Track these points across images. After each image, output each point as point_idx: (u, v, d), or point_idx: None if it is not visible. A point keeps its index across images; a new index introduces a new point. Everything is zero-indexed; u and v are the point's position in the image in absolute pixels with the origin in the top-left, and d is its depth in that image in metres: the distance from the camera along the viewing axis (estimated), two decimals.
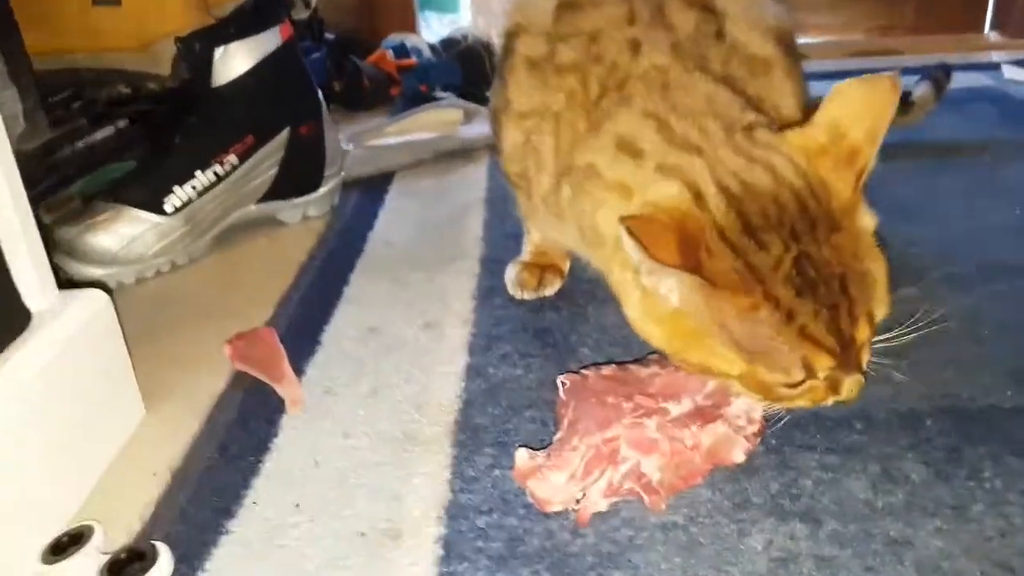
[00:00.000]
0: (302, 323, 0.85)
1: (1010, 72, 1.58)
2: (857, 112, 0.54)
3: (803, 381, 0.54)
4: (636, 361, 0.66)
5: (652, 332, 0.57)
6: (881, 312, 0.54)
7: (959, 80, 1.54)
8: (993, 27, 2.00)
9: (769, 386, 0.54)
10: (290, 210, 1.14)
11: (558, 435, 0.60)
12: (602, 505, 0.55)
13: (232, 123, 1.06)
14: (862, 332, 0.53)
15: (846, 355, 0.53)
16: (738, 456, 0.59)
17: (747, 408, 0.59)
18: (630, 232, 0.50)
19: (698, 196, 0.54)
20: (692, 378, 0.60)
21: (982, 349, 0.71)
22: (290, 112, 1.10)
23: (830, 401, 0.55)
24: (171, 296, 0.97)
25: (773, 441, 0.61)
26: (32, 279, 0.64)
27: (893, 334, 0.56)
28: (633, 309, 0.58)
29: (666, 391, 0.61)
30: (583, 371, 0.65)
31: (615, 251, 0.59)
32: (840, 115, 0.55)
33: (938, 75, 1.22)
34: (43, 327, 0.63)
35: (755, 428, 0.59)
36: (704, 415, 0.59)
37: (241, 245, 1.08)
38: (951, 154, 1.19)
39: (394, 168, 1.31)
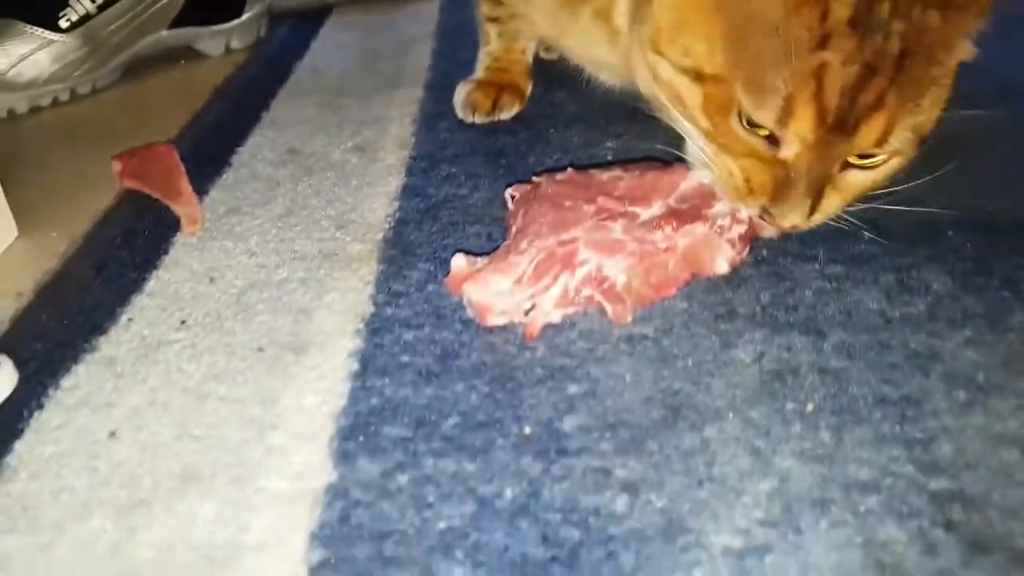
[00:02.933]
0: (210, 145, 0.72)
1: None
2: None
3: (765, 138, 0.43)
4: (596, 166, 0.54)
5: None
6: (900, 139, 0.42)
7: None
8: None
9: (727, 111, 0.43)
10: (210, 39, 0.99)
11: (504, 244, 0.49)
12: (555, 316, 0.45)
13: None
14: (871, 129, 0.41)
15: (828, 144, 0.41)
16: (721, 266, 0.48)
17: (732, 207, 0.48)
18: None
19: None
20: (662, 179, 0.49)
21: (1007, 163, 0.60)
22: None
23: (756, 207, 0.45)
24: (67, 125, 0.84)
25: (764, 252, 0.50)
26: None
27: None
28: None
29: (633, 194, 0.50)
30: (535, 178, 0.54)
31: None
32: None
33: None
34: None
35: (741, 230, 0.48)
36: (680, 216, 0.48)
37: (153, 75, 0.94)
38: None
39: (333, 1, 1.16)
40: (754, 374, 0.40)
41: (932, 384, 0.39)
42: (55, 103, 0.88)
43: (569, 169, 0.53)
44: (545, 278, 0.45)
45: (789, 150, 0.42)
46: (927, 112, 0.42)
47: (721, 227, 0.48)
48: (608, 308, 0.45)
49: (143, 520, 0.34)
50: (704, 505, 0.34)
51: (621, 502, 0.34)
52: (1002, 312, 0.44)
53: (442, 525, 0.33)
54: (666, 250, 0.47)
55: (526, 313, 0.45)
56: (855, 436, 0.36)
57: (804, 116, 0.40)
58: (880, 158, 0.44)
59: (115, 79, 0.93)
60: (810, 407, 0.38)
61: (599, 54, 0.62)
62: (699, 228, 0.47)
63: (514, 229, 0.49)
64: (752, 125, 0.43)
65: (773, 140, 0.43)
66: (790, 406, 0.38)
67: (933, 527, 0.32)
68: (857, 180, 0.45)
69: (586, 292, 0.45)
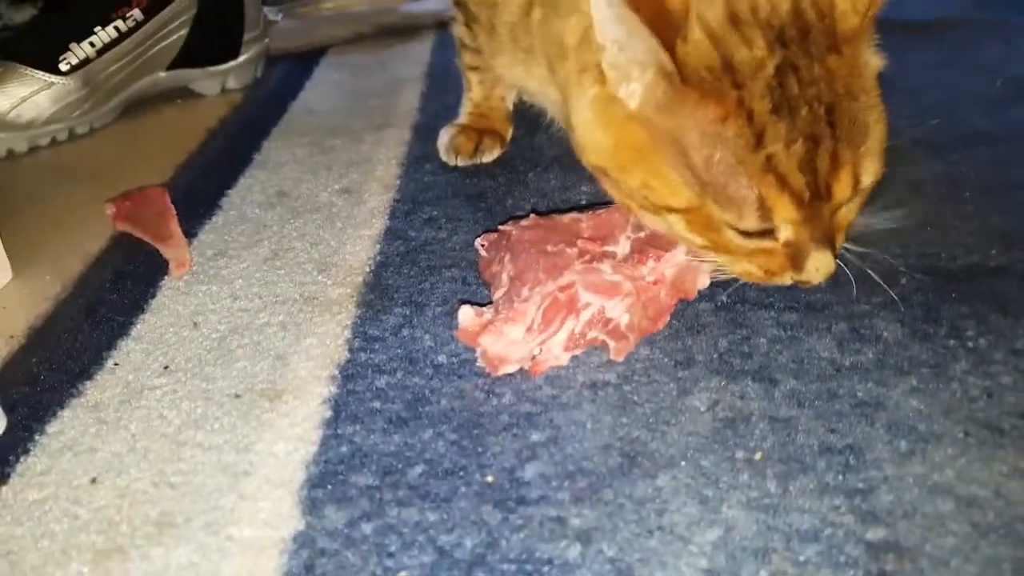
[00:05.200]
0: (202, 187, 0.75)
1: None
2: None
3: (760, 233, 0.45)
4: (555, 211, 0.57)
5: (598, 141, 0.48)
6: (870, 174, 0.44)
7: None
8: None
9: (717, 228, 0.45)
10: (207, 79, 1.02)
11: (499, 292, 0.51)
12: (563, 359, 0.47)
13: None
14: (842, 186, 0.43)
15: (815, 212, 0.44)
16: (703, 281, 0.51)
17: None
18: None
19: None
20: (617, 214, 0.52)
21: (963, 209, 0.62)
22: None
23: (788, 280, 0.46)
24: (65, 165, 0.86)
25: (723, 298, 0.52)
26: None
27: None
28: (583, 112, 0.48)
29: (599, 233, 0.52)
30: (501, 227, 0.56)
31: (578, 54, 0.50)
32: None
33: None
34: None
35: None
36: (656, 246, 0.50)
37: (150, 115, 0.97)
38: (925, 30, 1.10)
39: (329, 42, 1.18)
40: (708, 421, 0.42)
41: (876, 433, 0.41)
42: (53, 143, 0.90)
43: (532, 215, 0.55)
44: (554, 323, 0.47)
45: (787, 234, 0.44)
46: (875, 133, 0.45)
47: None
48: (611, 346, 0.47)
49: (119, 566, 0.36)
50: (653, 553, 0.35)
51: (574, 551, 0.36)
52: (947, 361, 0.46)
53: (403, 575, 0.35)
54: (655, 282, 0.49)
55: (534, 359, 0.47)
56: (800, 485, 0.38)
57: (782, 206, 0.43)
58: (860, 193, 0.46)
59: (113, 119, 0.95)
60: (759, 455, 0.40)
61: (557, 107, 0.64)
62: (679, 256, 0.50)
63: (505, 277, 0.51)
64: (744, 231, 0.45)
65: (769, 232, 0.45)
66: (740, 454, 0.40)
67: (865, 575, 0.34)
68: (850, 213, 0.47)
69: (592, 334, 0.47)
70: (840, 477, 0.39)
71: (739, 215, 0.44)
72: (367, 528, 0.37)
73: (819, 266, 0.45)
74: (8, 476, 0.42)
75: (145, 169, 0.80)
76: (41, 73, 0.89)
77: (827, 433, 0.41)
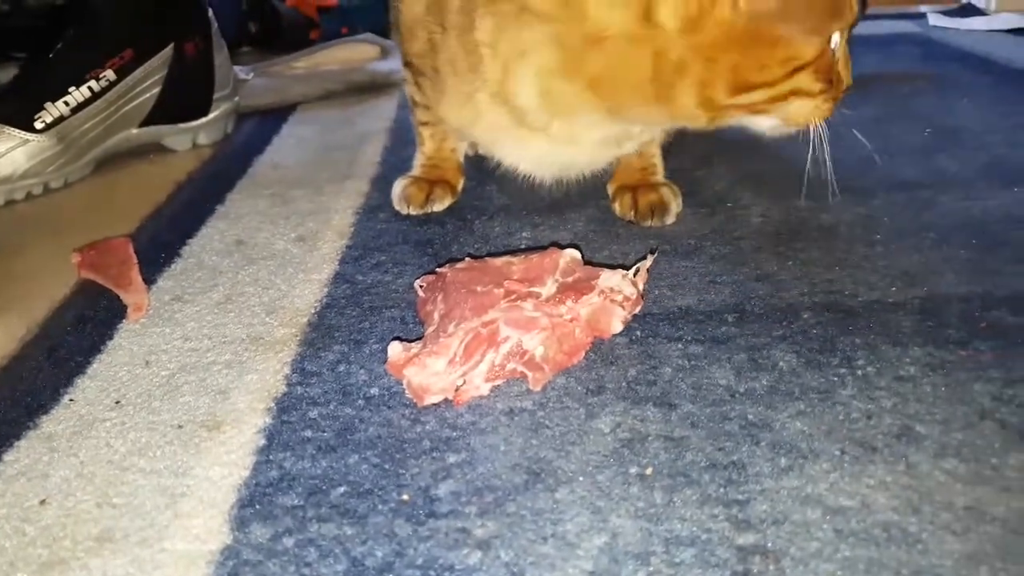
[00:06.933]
0: (164, 237, 0.79)
1: (934, 19, 1.60)
2: None
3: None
4: (493, 255, 0.62)
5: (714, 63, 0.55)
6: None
7: (887, 26, 1.55)
8: None
9: (825, 69, 0.57)
10: (178, 135, 1.08)
11: (430, 328, 0.55)
12: (484, 389, 0.51)
13: (110, 36, 0.99)
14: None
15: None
16: (616, 326, 0.55)
17: (619, 279, 0.55)
18: None
19: None
20: (546, 260, 0.57)
21: (872, 250, 0.67)
22: (174, 28, 1.03)
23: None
24: (36, 217, 0.91)
25: (638, 332, 0.56)
26: None
27: None
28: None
29: (528, 275, 0.56)
30: (438, 270, 0.60)
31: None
32: None
33: None
34: None
35: (633, 295, 0.55)
36: (578, 289, 0.55)
37: (122, 169, 1.02)
38: (873, 85, 1.17)
39: (299, 100, 1.25)
40: (608, 442, 0.46)
41: (760, 451, 0.45)
42: (28, 196, 0.95)
43: (467, 258, 0.60)
44: (475, 356, 0.51)
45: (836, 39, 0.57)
46: None
47: (611, 293, 0.55)
48: (529, 376, 0.51)
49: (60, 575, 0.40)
50: (544, 558, 0.39)
51: (475, 558, 0.39)
52: (835, 387, 0.50)
53: (323, 570, 0.39)
54: (571, 320, 0.53)
55: (457, 390, 0.51)
56: (683, 496, 0.42)
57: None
58: None
59: (87, 173, 1.00)
60: (649, 470, 0.44)
61: (511, 143, 0.69)
62: (594, 298, 0.54)
63: (436, 316, 0.56)
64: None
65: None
66: (633, 470, 0.44)
67: None
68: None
69: (510, 365, 0.51)
70: (722, 490, 0.42)
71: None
72: (288, 542, 0.41)
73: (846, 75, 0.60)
74: None
75: (113, 220, 0.84)
76: (17, 131, 0.94)
77: (715, 451, 0.45)
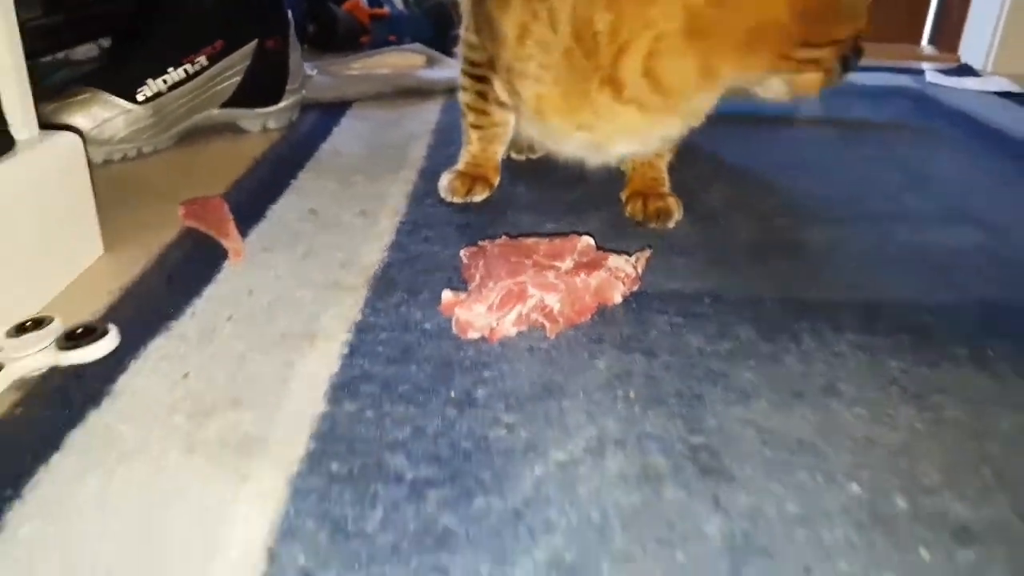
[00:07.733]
0: (251, 201, 0.95)
1: (932, 76, 1.75)
2: None
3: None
4: (521, 235, 0.78)
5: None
6: None
7: (884, 79, 1.72)
8: (930, 41, 2.17)
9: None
10: (251, 119, 1.24)
11: (473, 285, 0.71)
12: (512, 332, 0.67)
13: (206, 28, 1.15)
14: None
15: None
16: (617, 297, 0.71)
17: (623, 262, 0.71)
18: None
19: None
20: (567, 243, 0.73)
21: (830, 263, 0.83)
22: (259, 26, 1.20)
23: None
24: (134, 177, 1.06)
25: (634, 304, 0.72)
26: (18, 112, 0.74)
27: None
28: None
29: (551, 253, 0.72)
30: (480, 243, 0.76)
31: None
32: None
33: None
34: (23, 153, 0.73)
35: (632, 275, 0.71)
36: (589, 266, 0.71)
37: (203, 143, 1.18)
38: (864, 130, 1.34)
39: (354, 97, 1.41)
40: (603, 374, 0.62)
41: (716, 391, 0.61)
42: (123, 159, 1.11)
43: (504, 237, 0.76)
44: (507, 307, 0.67)
45: None
46: None
47: (615, 271, 0.71)
48: (547, 326, 0.67)
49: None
50: (545, 436, 0.55)
51: (502, 432, 0.55)
52: (782, 354, 0.66)
53: (395, 432, 0.55)
54: (582, 288, 0.69)
55: (492, 330, 0.67)
56: (655, 411, 0.58)
57: None
58: None
59: (172, 144, 1.16)
60: (632, 395, 0.60)
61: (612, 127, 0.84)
62: (602, 273, 0.70)
63: (478, 276, 0.72)
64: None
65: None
66: (619, 393, 0.60)
67: (683, 459, 0.53)
68: None
69: (534, 316, 0.67)
70: (684, 410, 0.58)
71: None
72: (370, 414, 0.57)
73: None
74: (120, 373, 0.61)
75: (199, 187, 1.00)
76: (121, 100, 1.10)
77: (682, 387, 0.61)
